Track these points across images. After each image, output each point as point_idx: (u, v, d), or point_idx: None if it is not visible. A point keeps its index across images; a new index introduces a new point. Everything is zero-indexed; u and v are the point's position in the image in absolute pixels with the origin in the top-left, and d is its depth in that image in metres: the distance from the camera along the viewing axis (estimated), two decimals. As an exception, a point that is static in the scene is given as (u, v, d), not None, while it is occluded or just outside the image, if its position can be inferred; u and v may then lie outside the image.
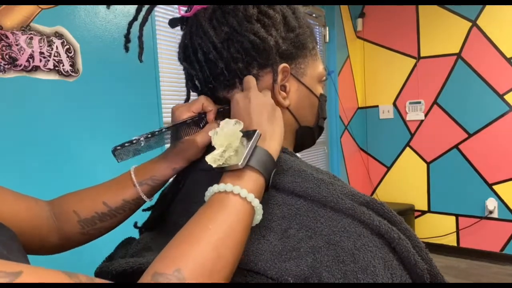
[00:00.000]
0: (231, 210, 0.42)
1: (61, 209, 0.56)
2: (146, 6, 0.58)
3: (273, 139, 0.49)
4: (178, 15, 0.60)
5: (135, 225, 0.65)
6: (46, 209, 0.56)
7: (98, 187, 0.59)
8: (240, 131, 0.47)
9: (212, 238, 0.39)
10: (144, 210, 0.65)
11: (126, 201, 0.57)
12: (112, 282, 0.36)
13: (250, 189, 0.44)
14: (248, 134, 0.47)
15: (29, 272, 0.31)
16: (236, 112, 0.52)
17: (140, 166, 0.59)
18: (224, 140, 0.46)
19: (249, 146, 0.45)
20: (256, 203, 0.44)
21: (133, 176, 0.57)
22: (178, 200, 0.60)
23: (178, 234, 0.41)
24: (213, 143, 0.47)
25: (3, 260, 0.31)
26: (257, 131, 0.47)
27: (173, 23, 0.61)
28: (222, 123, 0.48)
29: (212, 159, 0.45)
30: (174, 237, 0.40)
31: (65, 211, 0.56)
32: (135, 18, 0.58)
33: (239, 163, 0.44)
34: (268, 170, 0.47)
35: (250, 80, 0.54)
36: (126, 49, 0.59)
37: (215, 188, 0.44)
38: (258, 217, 0.45)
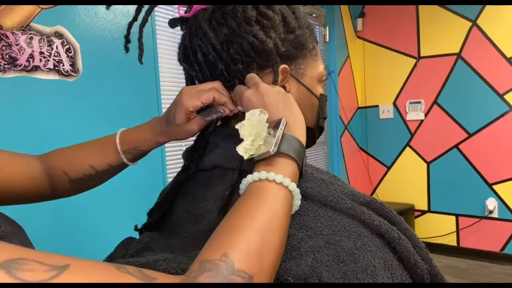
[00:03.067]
0: (269, 195, 0.42)
1: (52, 169, 0.61)
2: (146, 7, 0.58)
3: (297, 127, 0.49)
4: (178, 15, 0.60)
5: (135, 228, 0.65)
6: (39, 168, 0.60)
7: (84, 148, 0.63)
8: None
9: (252, 222, 0.39)
10: (147, 214, 0.65)
11: (111, 165, 0.61)
12: (162, 273, 0.36)
13: (285, 174, 0.43)
14: (273, 124, 0.47)
15: (77, 265, 0.30)
16: (251, 109, 0.51)
17: (126, 132, 0.61)
18: (252, 129, 0.46)
19: (278, 133, 0.45)
20: (293, 187, 0.44)
21: (118, 143, 0.60)
22: (179, 200, 0.60)
23: (219, 226, 0.41)
24: (241, 135, 0.47)
25: (49, 253, 0.31)
26: (283, 119, 0.47)
27: (172, 23, 0.61)
28: (247, 114, 0.48)
29: (243, 150, 0.45)
30: (216, 229, 0.40)
31: (56, 171, 0.61)
32: (134, 19, 0.58)
33: (270, 150, 0.44)
34: (300, 155, 0.46)
35: (253, 76, 0.53)
36: (126, 49, 0.59)
37: (249, 178, 0.44)
38: (297, 202, 0.45)
